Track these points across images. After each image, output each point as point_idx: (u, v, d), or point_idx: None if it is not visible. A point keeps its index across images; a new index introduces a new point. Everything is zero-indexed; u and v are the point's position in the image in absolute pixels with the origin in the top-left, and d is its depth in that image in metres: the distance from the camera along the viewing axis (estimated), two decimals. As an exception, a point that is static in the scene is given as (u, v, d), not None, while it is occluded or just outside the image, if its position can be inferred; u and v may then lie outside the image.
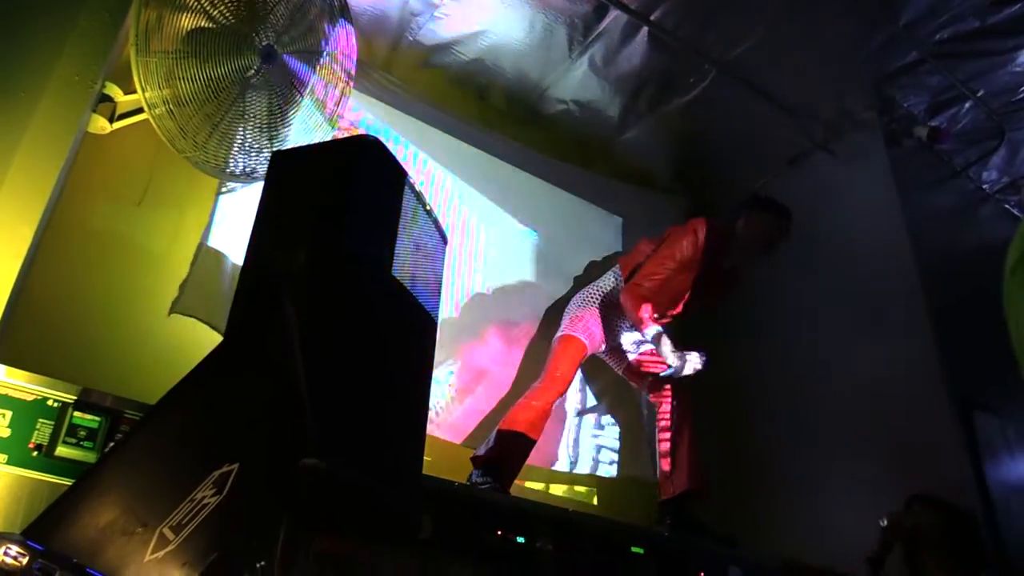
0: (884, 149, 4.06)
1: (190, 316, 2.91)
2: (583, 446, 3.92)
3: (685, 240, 3.39)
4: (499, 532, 2.50)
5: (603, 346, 3.50)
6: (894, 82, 3.95)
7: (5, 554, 1.27)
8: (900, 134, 4.10)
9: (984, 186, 4.51)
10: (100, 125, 2.76)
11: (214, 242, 3.13)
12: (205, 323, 2.91)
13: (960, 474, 3.25)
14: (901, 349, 3.61)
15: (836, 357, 3.59)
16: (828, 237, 4.07)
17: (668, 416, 3.39)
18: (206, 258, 3.08)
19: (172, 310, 2.92)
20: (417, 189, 2.06)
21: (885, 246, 3.89)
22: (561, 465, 3.80)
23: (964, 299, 3.35)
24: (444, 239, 2.27)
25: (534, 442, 3.11)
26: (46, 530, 1.38)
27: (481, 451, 3.09)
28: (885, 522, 2.65)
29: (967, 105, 4.05)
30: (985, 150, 4.31)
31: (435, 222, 2.19)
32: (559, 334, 3.44)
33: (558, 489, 3.79)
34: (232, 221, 3.17)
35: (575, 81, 4.24)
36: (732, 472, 3.83)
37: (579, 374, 3.65)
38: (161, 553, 1.31)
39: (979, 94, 3.98)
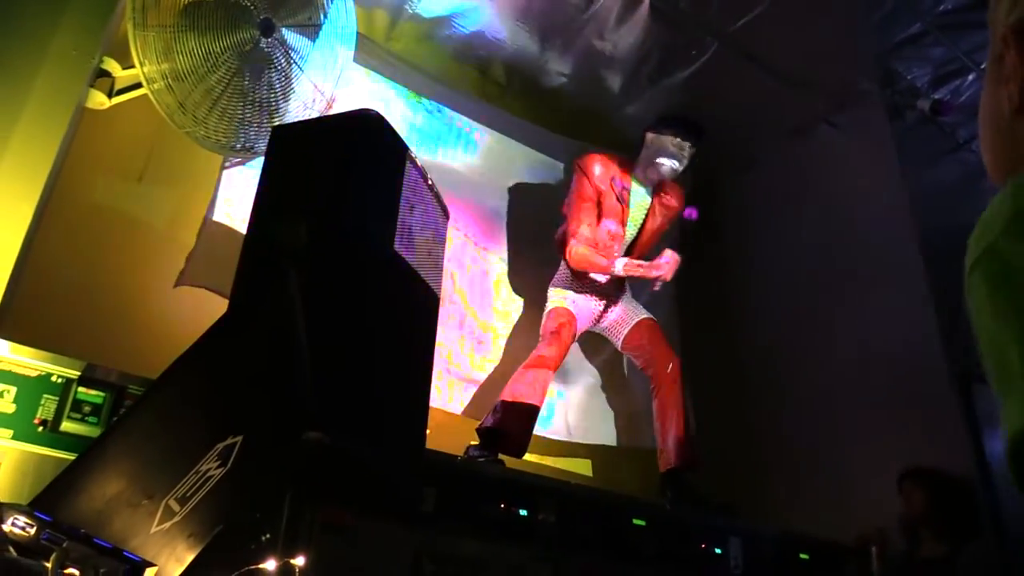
0: (886, 122, 4.03)
1: (198, 286, 2.85)
2: (582, 414, 3.94)
3: (577, 182, 3.50)
4: (502, 505, 2.52)
5: (592, 319, 3.51)
6: (897, 54, 3.92)
7: (13, 525, 1.27)
8: (903, 107, 4.08)
9: (986, 159, 4.49)
10: (99, 100, 2.75)
11: (220, 214, 3.11)
12: (216, 292, 2.85)
13: (959, 445, 3.27)
14: (902, 321, 3.62)
15: (836, 329, 3.59)
16: (830, 210, 4.06)
17: (660, 389, 3.40)
18: (212, 229, 3.05)
19: (178, 282, 2.85)
20: (419, 163, 2.06)
21: (886, 219, 3.87)
22: (559, 434, 3.81)
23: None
24: (446, 213, 2.27)
25: (538, 409, 3.12)
26: (53, 501, 1.39)
27: (488, 422, 3.09)
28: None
29: (970, 77, 4.02)
30: (987, 123, 4.27)
31: (436, 196, 2.19)
32: (546, 309, 3.48)
33: (556, 459, 3.80)
34: (238, 192, 3.15)
35: (575, 54, 4.21)
36: (733, 443, 3.85)
37: (577, 345, 3.68)
38: (167, 524, 1.32)
39: (982, 66, 3.94)
